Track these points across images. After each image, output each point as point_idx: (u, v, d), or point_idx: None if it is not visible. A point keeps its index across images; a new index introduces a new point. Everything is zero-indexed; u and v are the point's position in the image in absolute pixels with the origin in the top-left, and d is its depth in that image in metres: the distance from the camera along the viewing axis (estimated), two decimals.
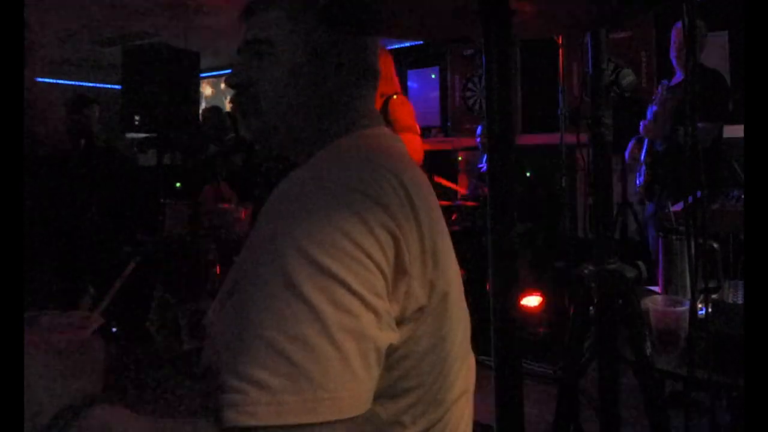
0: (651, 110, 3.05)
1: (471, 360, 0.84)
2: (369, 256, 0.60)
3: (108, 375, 0.73)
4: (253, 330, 0.57)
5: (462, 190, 4.62)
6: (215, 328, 0.72)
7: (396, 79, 2.81)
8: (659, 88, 3.15)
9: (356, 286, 0.59)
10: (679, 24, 3.04)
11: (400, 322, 0.65)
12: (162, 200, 3.26)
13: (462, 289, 0.81)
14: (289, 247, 0.59)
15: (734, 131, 3.46)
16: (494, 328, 0.59)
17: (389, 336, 0.62)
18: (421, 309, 0.67)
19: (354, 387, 0.57)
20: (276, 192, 0.67)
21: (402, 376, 0.67)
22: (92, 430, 0.62)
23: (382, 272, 0.61)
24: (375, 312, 0.60)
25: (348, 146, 0.77)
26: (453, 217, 3.94)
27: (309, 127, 0.81)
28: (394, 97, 2.71)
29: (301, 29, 0.79)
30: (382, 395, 0.66)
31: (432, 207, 0.73)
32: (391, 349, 0.64)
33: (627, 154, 3.32)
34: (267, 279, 0.59)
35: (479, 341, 0.84)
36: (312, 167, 0.70)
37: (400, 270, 0.64)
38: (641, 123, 3.02)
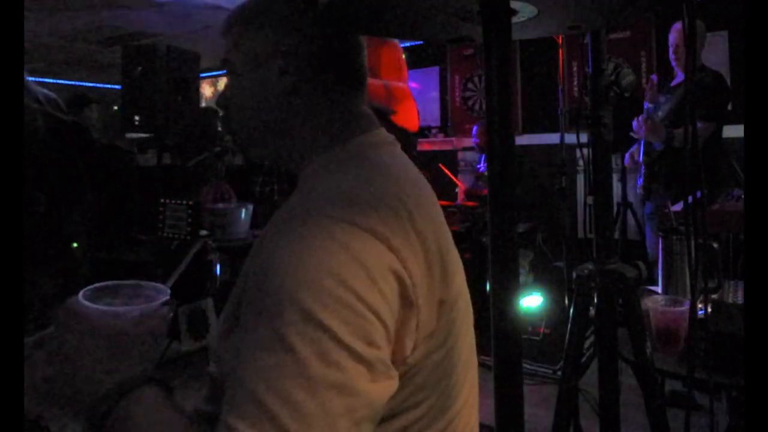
0: (645, 106, 3.05)
1: (475, 362, 0.84)
2: (366, 305, 0.58)
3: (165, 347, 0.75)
4: (240, 378, 0.56)
5: (462, 186, 4.63)
6: (219, 359, 0.72)
7: (405, 72, 2.76)
8: (649, 83, 3.15)
9: (347, 337, 0.56)
10: (677, 25, 3.04)
11: (410, 354, 0.63)
12: (162, 200, 3.26)
13: (467, 292, 0.80)
14: (281, 292, 0.57)
15: (734, 131, 3.46)
16: (494, 328, 0.59)
17: (385, 387, 0.60)
18: (431, 332, 0.65)
19: None
20: (272, 223, 0.65)
21: (411, 393, 0.66)
22: (130, 417, 0.64)
23: (381, 320, 0.59)
24: (367, 364, 0.57)
25: (345, 162, 0.73)
26: (453, 218, 3.94)
27: (279, 138, 0.79)
28: (398, 84, 2.67)
29: (248, 44, 0.79)
30: (390, 413, 0.65)
31: (436, 218, 0.72)
32: (402, 372, 0.63)
33: (627, 157, 3.31)
34: (257, 325, 0.58)
35: (479, 341, 0.84)
36: (309, 195, 0.67)
37: (407, 305, 0.62)
38: (633, 122, 3.01)
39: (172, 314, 0.77)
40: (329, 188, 0.67)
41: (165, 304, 0.76)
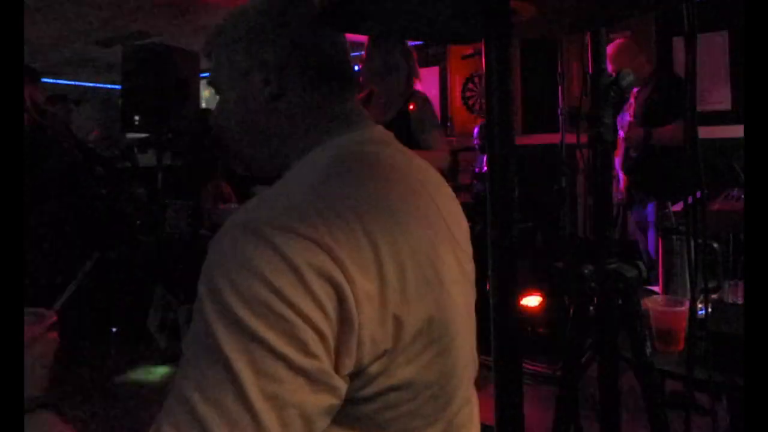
0: (625, 115, 3.12)
1: (471, 374, 0.82)
2: (299, 313, 0.56)
3: (54, 372, 0.74)
4: (178, 388, 0.56)
5: None
6: None
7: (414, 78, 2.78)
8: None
9: (282, 347, 0.55)
10: (617, 41, 3.23)
11: (358, 372, 0.61)
12: (162, 200, 3.26)
13: (467, 309, 0.79)
14: (214, 302, 0.56)
15: (734, 131, 3.46)
16: (494, 328, 0.59)
17: (324, 398, 0.58)
18: (385, 351, 0.62)
19: None
20: (222, 227, 0.63)
21: (378, 411, 0.64)
22: None
23: (316, 329, 0.56)
24: (304, 374, 0.56)
25: (309, 166, 0.73)
26: None
27: (272, 147, 0.80)
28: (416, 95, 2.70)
29: (228, 59, 0.80)
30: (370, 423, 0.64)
31: (410, 223, 0.68)
32: (358, 395, 0.62)
33: None
34: (196, 335, 0.57)
35: (479, 341, 0.84)
36: (257, 201, 0.66)
37: (345, 320, 0.58)
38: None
39: (57, 340, 0.76)
40: (279, 195, 0.67)
41: (50, 328, 0.76)
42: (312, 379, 0.56)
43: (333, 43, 0.80)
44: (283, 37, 0.78)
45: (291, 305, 0.56)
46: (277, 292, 0.56)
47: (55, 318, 0.77)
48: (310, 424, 0.57)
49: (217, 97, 0.85)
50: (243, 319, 0.55)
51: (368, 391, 0.63)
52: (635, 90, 3.20)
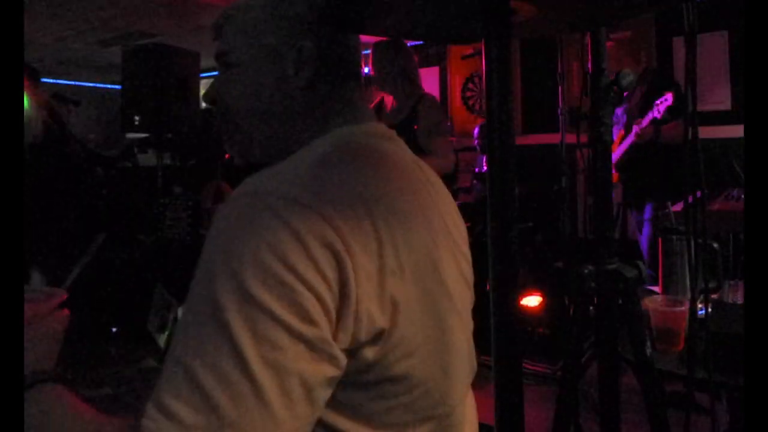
0: (620, 110, 3.13)
1: (468, 370, 0.81)
2: (302, 280, 0.56)
3: (62, 349, 0.74)
4: (177, 355, 0.56)
5: None
6: None
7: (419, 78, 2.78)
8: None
9: (284, 314, 0.55)
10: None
11: (355, 349, 0.61)
12: (162, 200, 3.26)
13: (465, 311, 0.79)
14: (219, 268, 0.56)
15: (734, 131, 3.46)
16: (494, 328, 0.59)
17: (325, 368, 0.58)
18: (381, 332, 0.62)
19: (270, 427, 0.54)
20: (224, 201, 0.64)
21: (372, 399, 0.65)
22: (37, 408, 0.62)
23: (318, 297, 0.57)
24: (306, 342, 0.56)
25: (315, 150, 0.73)
26: None
27: (282, 131, 0.79)
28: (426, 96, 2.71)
29: (257, 37, 0.78)
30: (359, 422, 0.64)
31: (410, 219, 0.68)
32: (357, 376, 0.62)
33: None
34: (196, 301, 0.57)
35: (479, 341, 0.84)
36: (263, 174, 0.66)
37: (344, 292, 0.58)
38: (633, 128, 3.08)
39: (67, 318, 0.76)
40: (285, 169, 0.67)
41: (60, 305, 0.76)
42: (312, 347, 0.56)
43: (353, 41, 0.81)
44: (323, 28, 0.77)
45: (293, 271, 0.56)
46: (281, 259, 0.56)
47: (65, 296, 0.77)
48: (310, 393, 0.57)
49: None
50: (245, 285, 0.55)
51: (364, 378, 0.63)
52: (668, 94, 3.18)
